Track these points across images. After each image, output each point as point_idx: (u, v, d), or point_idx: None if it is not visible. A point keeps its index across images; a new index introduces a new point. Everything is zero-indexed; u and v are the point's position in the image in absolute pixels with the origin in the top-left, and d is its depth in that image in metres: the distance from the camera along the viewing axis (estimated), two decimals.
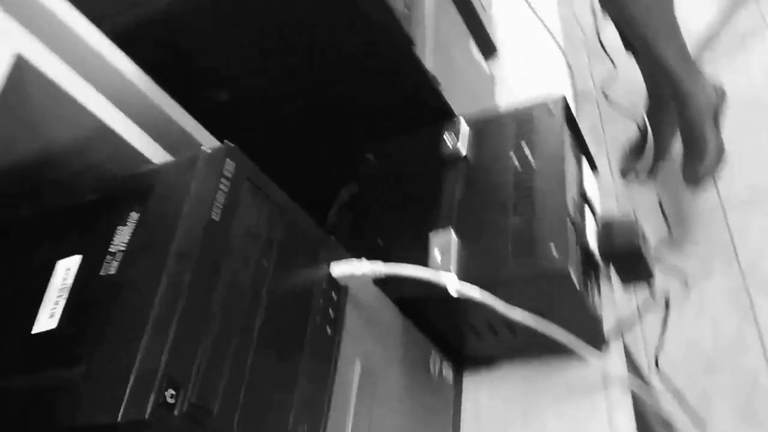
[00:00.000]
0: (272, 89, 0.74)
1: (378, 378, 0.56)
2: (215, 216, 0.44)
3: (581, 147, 0.72)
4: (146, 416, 0.36)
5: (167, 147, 0.60)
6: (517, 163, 0.65)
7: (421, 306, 0.63)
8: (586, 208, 0.67)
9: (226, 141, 0.47)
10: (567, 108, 0.68)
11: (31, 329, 0.45)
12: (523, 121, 0.68)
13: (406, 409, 0.59)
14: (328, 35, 0.68)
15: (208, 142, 0.65)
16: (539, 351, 0.68)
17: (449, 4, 0.84)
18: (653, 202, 1.37)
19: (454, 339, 0.68)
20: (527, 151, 0.66)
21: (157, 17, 0.66)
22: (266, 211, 0.48)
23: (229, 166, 0.46)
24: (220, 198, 0.44)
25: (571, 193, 0.63)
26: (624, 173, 1.50)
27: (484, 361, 0.71)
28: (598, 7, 1.28)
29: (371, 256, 0.55)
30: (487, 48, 0.92)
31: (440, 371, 0.67)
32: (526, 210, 0.61)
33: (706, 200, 1.48)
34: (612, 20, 1.29)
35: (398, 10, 0.66)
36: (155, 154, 0.58)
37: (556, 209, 0.60)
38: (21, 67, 0.50)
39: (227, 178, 0.45)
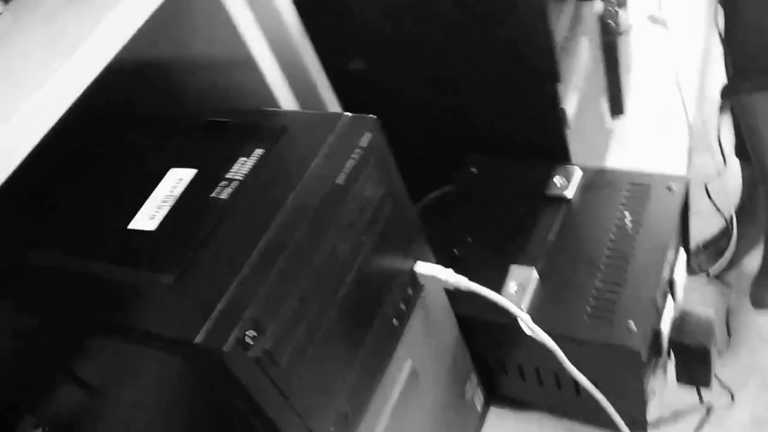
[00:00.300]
0: (409, 68, 0.74)
1: (421, 384, 0.56)
2: (340, 181, 0.44)
3: (684, 233, 0.70)
4: (224, 348, 0.36)
5: (299, 99, 0.60)
6: (620, 226, 0.64)
7: (481, 331, 0.62)
8: (669, 293, 0.65)
9: (371, 115, 0.47)
10: (687, 192, 0.66)
11: (127, 224, 0.46)
12: (639, 187, 0.67)
13: (435, 422, 0.59)
14: (484, 26, 0.67)
15: (333, 106, 0.65)
16: (574, 414, 0.67)
17: (600, 59, 0.83)
18: (711, 305, 1.34)
19: (497, 372, 0.67)
20: (634, 218, 0.64)
21: None
22: (381, 191, 0.48)
23: (367, 137, 0.46)
24: (350, 165, 0.44)
25: (664, 276, 0.62)
26: (692, 267, 1.46)
27: (516, 402, 0.70)
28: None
29: (445, 263, 0.55)
30: (617, 108, 0.91)
31: (473, 396, 0.66)
32: (616, 276, 0.60)
33: (761, 325, 1.44)
34: (734, 124, 1.28)
35: (558, 41, 0.65)
36: (285, 101, 0.59)
37: (646, 288, 0.59)
38: None
39: (362, 148, 0.45)
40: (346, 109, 0.73)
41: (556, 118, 0.70)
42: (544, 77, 0.67)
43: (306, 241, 0.41)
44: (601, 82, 0.86)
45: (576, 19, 0.72)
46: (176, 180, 0.48)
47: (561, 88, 0.68)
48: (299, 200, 0.42)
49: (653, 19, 1.04)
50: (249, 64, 0.56)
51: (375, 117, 0.47)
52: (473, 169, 0.76)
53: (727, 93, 1.30)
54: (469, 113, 0.76)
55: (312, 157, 0.44)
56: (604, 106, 0.88)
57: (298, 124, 0.48)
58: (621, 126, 0.94)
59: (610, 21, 0.85)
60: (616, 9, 0.86)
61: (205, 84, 0.59)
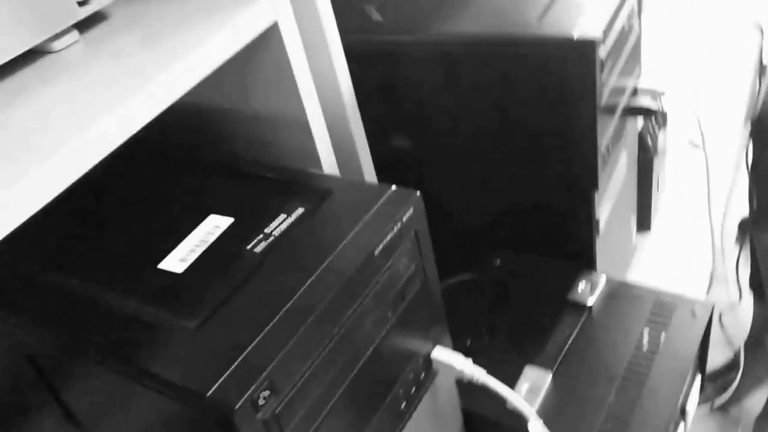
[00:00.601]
0: (450, 160, 0.74)
1: None
2: (377, 252, 0.43)
3: (702, 360, 0.69)
4: (234, 406, 0.35)
5: (340, 163, 0.61)
6: (640, 343, 0.63)
7: (487, 428, 0.60)
8: (681, 421, 0.64)
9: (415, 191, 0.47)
10: (710, 319, 0.65)
11: (158, 263, 0.46)
12: (662, 307, 0.66)
13: None
14: (533, 131, 0.68)
15: (370, 175, 0.66)
16: None
17: (634, 176, 0.84)
18: None
19: None
20: (654, 338, 0.63)
21: (392, 48, 0.68)
22: (414, 267, 0.48)
23: (408, 212, 0.46)
24: (388, 238, 0.44)
25: (678, 404, 0.60)
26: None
27: None
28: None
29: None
30: (644, 224, 0.92)
31: None
32: (632, 395, 0.59)
33: None
34: (751, 256, 1.28)
35: (601, 150, 0.66)
36: (328, 165, 0.59)
37: (660, 414, 0.57)
38: (272, 34, 0.52)
39: (402, 222, 0.45)
40: (381, 181, 0.73)
41: (589, 224, 0.70)
42: (584, 184, 0.67)
43: (333, 309, 0.41)
44: (632, 196, 0.86)
45: (619, 132, 0.73)
46: (213, 226, 0.48)
47: (597, 196, 0.69)
48: (333, 266, 0.42)
49: (692, 144, 1.05)
50: (302, 124, 0.57)
51: (418, 193, 0.47)
52: (498, 262, 0.75)
53: (748, 227, 1.32)
54: (503, 208, 0.76)
55: (352, 225, 0.44)
56: (633, 220, 0.89)
57: (342, 189, 0.49)
58: (646, 242, 0.94)
59: (648, 139, 0.86)
60: (656, 129, 0.88)
61: (254, 135, 0.60)
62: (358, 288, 0.42)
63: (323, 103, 0.61)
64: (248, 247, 0.45)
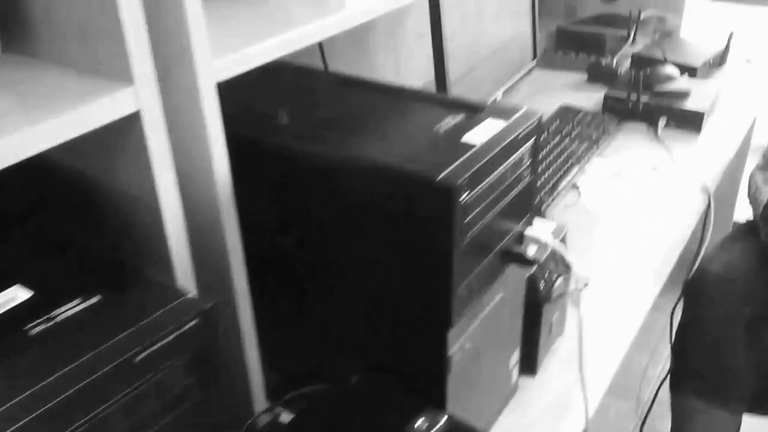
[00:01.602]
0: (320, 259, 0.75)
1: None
2: (137, 359, 0.43)
3: None
4: None
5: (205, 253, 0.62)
6: None
7: None
8: None
9: None
10: None
11: None
12: None
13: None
14: (394, 248, 0.69)
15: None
16: None
17: (517, 318, 0.84)
18: None
19: None
20: None
21: (283, 152, 0.70)
22: (189, 380, 0.48)
23: (191, 323, 0.46)
24: (155, 346, 0.44)
25: None
26: None
27: None
28: None
29: None
30: (530, 367, 0.91)
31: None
32: None
33: None
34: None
35: (458, 290, 0.66)
36: (179, 259, 0.60)
37: None
38: (133, 120, 0.54)
39: (180, 333, 0.45)
40: (254, 278, 0.74)
41: (440, 362, 0.69)
42: (437, 321, 0.67)
43: (72, 405, 0.40)
44: (514, 338, 0.86)
45: (492, 273, 0.73)
46: (9, 298, 0.48)
47: (452, 334, 0.69)
48: (85, 365, 0.42)
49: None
50: (153, 210, 0.58)
51: (213, 304, 0.47)
52: (354, 379, 0.75)
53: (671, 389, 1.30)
54: (367, 326, 0.76)
55: (125, 327, 0.44)
56: (513, 361, 0.88)
57: (145, 285, 0.49)
58: (533, 384, 0.93)
59: (541, 285, 0.87)
60: (554, 276, 0.89)
61: (110, 210, 0.61)
62: (109, 389, 0.42)
63: (194, 195, 0.62)
64: (26, 327, 0.45)
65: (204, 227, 0.66)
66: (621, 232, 1.23)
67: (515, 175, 0.71)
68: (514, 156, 0.70)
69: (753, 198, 1.52)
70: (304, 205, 0.72)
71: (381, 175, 0.64)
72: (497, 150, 0.66)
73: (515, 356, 0.88)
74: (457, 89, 1.37)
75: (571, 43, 2.01)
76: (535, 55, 1.70)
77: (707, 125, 1.55)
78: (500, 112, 0.72)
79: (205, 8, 0.73)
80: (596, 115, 1.58)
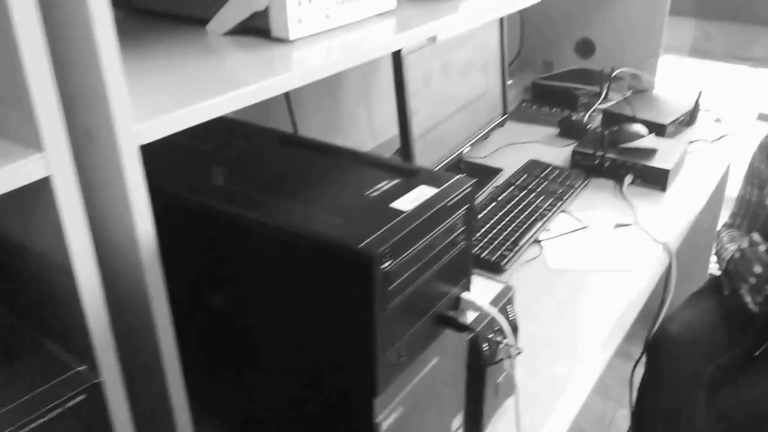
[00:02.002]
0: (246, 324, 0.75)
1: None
2: None
3: None
4: None
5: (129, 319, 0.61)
6: None
7: None
8: None
9: None
10: None
11: None
12: None
13: None
14: (318, 315, 0.69)
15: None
16: None
17: (459, 380, 0.83)
18: None
19: None
20: None
21: (214, 214, 0.70)
22: None
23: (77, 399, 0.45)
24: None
25: None
26: None
27: None
28: None
29: None
30: (475, 429, 0.90)
31: None
32: None
33: None
34: None
35: (382, 357, 0.65)
36: (98, 327, 0.59)
37: None
38: (43, 185, 0.54)
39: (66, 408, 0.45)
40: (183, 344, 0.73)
41: (368, 431, 0.69)
42: (362, 389, 0.67)
43: None
44: (456, 400, 0.85)
45: (426, 337, 0.73)
46: None
47: (381, 401, 0.68)
48: None
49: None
50: (68, 273, 0.58)
51: (98, 381, 0.47)
52: None
53: None
54: (294, 395, 0.75)
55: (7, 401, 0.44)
56: (456, 424, 0.87)
57: (37, 359, 0.48)
58: None
59: (485, 347, 0.86)
60: (497, 338, 0.88)
61: (19, 271, 0.61)
62: None
63: (116, 259, 0.62)
64: None
65: (127, 291, 0.65)
66: (580, 289, 1.23)
67: (447, 241, 0.71)
68: (445, 223, 0.70)
69: (718, 255, 1.53)
70: (230, 269, 0.72)
71: (304, 242, 0.64)
72: (425, 217, 0.67)
73: (458, 419, 0.87)
74: (422, 144, 1.38)
75: (545, 97, 2.04)
76: (505, 110, 1.72)
77: (673, 183, 1.56)
78: (434, 178, 0.72)
79: (143, 64, 0.75)
80: (564, 170, 1.60)
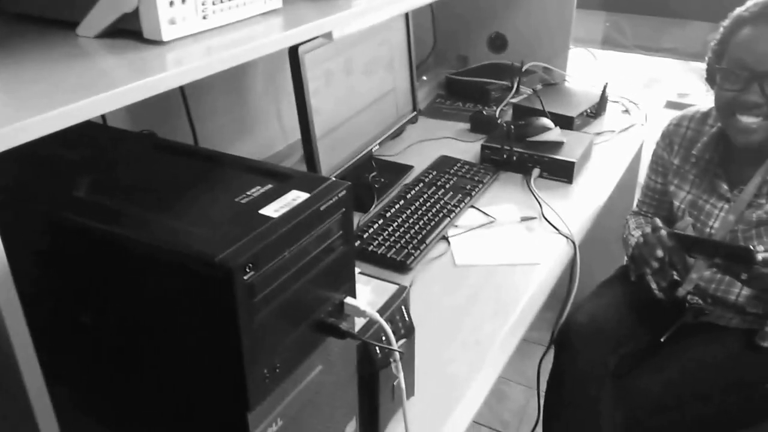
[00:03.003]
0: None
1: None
2: None
3: None
4: None
5: None
6: None
7: None
8: None
9: None
10: None
11: None
12: None
13: None
14: (187, 332, 0.66)
15: None
16: None
17: (347, 387, 0.81)
18: None
19: None
20: None
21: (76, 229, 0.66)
22: None
23: None
24: None
25: None
26: None
27: None
28: None
29: None
30: None
31: None
32: None
33: None
34: None
35: (254, 370, 0.63)
36: None
37: None
38: None
39: None
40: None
41: None
42: (235, 404, 0.64)
43: None
44: (349, 407, 0.83)
45: (306, 346, 0.71)
46: None
47: (259, 413, 0.66)
48: None
49: None
50: None
51: None
52: None
53: None
54: (161, 413, 0.72)
55: None
56: (351, 429, 0.85)
57: None
58: None
59: (376, 351, 0.85)
60: (388, 338, 0.87)
61: None
62: None
63: None
64: None
65: None
66: (485, 284, 1.23)
67: (323, 247, 0.70)
68: (318, 228, 0.68)
69: (624, 242, 1.56)
70: (93, 284, 0.68)
71: (162, 256, 0.61)
72: (294, 223, 0.65)
73: (352, 425, 0.86)
74: (327, 143, 1.36)
75: (459, 92, 2.05)
76: (415, 106, 1.72)
77: (580, 175, 1.59)
78: (307, 182, 0.71)
79: (3, 70, 0.70)
80: (473, 165, 1.61)
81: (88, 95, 0.63)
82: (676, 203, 1.46)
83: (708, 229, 1.38)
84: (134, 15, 0.79)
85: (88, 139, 0.83)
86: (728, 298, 1.38)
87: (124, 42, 0.81)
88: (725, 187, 1.36)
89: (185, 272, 0.61)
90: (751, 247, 1.20)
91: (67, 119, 0.62)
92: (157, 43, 0.80)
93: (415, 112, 1.72)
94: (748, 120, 1.25)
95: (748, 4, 1.28)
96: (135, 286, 0.65)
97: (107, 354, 0.73)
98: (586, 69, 2.25)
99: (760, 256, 1.16)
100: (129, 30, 0.81)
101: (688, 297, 1.44)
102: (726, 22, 1.31)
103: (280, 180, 0.72)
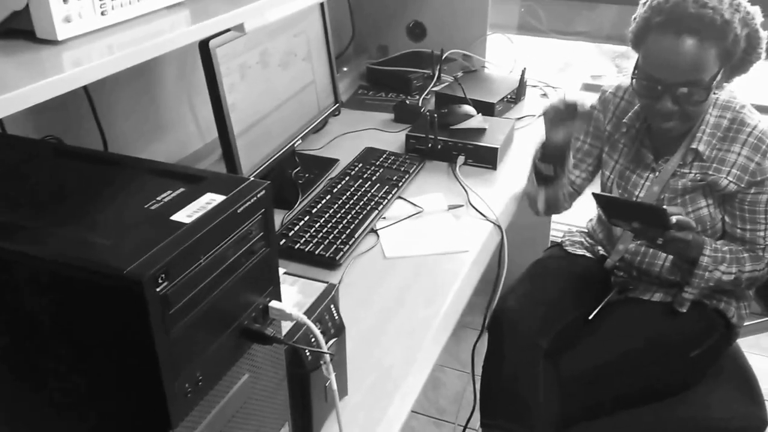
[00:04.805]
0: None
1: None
2: None
3: None
4: None
5: None
6: None
7: None
8: None
9: None
10: None
11: None
12: None
13: None
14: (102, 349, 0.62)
15: None
16: None
17: (278, 391, 0.78)
18: None
19: None
20: None
21: None
22: None
23: None
24: None
25: None
26: None
27: None
28: None
29: None
30: None
31: None
32: None
33: None
34: None
35: (174, 384, 0.60)
36: None
37: None
38: None
39: None
40: None
41: None
42: (154, 424, 0.61)
43: None
44: (280, 410, 0.81)
45: (231, 354, 0.68)
46: None
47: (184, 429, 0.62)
48: None
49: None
50: None
51: None
52: None
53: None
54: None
55: None
56: None
57: None
58: None
59: (305, 354, 0.83)
60: (316, 339, 0.85)
61: None
62: None
63: None
64: None
65: None
66: (415, 275, 1.23)
67: (243, 251, 0.66)
68: (237, 231, 0.65)
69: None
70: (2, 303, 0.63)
71: (64, 271, 0.57)
72: (210, 227, 0.61)
73: (285, 430, 0.83)
74: (246, 140, 1.32)
75: (381, 82, 2.04)
76: (336, 98, 1.69)
77: (503, 161, 1.60)
78: (222, 184, 0.67)
79: None
80: (399, 155, 1.59)
81: None
82: (606, 173, 1.48)
83: (634, 198, 1.41)
84: (25, 13, 0.74)
85: None
86: (653, 270, 1.42)
87: (15, 42, 0.75)
88: (651, 156, 1.40)
89: (92, 288, 0.56)
90: (664, 207, 1.23)
91: None
92: (52, 42, 0.75)
93: (337, 104, 1.69)
94: (665, 125, 1.30)
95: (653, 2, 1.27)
96: (40, 305, 0.61)
97: (17, 377, 0.67)
98: (504, 54, 2.27)
99: (674, 219, 1.20)
100: (20, 30, 0.75)
101: (615, 271, 1.48)
102: (636, 17, 1.31)
103: (193, 182, 0.68)
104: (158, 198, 0.65)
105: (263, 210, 0.68)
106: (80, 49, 0.75)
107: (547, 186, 1.44)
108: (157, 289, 0.56)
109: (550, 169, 1.41)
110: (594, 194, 1.29)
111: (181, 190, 0.67)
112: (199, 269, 0.60)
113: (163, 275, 0.56)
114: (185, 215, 0.62)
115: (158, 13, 0.88)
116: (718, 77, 1.23)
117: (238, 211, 0.64)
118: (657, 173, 1.38)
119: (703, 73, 1.21)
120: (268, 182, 0.68)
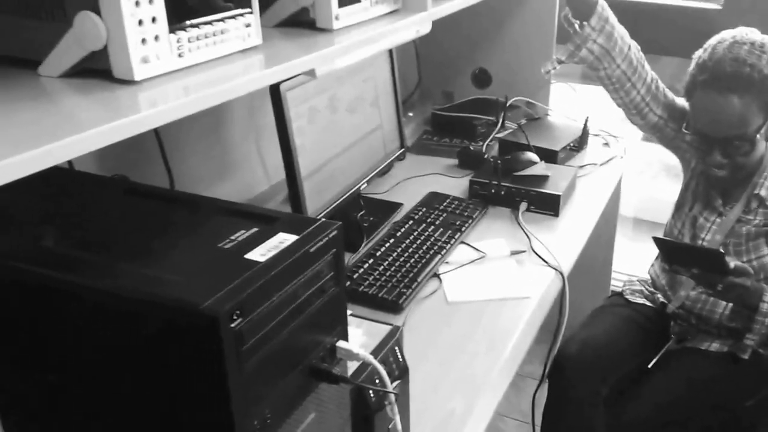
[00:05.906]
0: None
1: None
2: None
3: None
4: None
5: None
6: None
7: None
8: None
9: None
10: None
11: None
12: None
13: None
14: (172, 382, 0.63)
15: None
16: None
17: (344, 421, 0.78)
18: None
19: None
20: None
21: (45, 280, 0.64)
22: None
23: None
24: None
25: None
26: None
27: None
28: None
29: None
30: None
31: None
32: None
33: None
34: None
35: (245, 421, 0.61)
36: None
37: None
38: None
39: None
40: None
41: None
42: None
43: None
44: None
45: (300, 392, 0.69)
46: None
47: None
48: None
49: None
50: None
51: None
52: None
53: None
54: None
55: None
56: None
57: None
58: None
59: (369, 394, 0.83)
60: (381, 380, 0.85)
61: None
62: None
63: None
64: None
65: None
66: (477, 320, 1.21)
67: (313, 290, 0.68)
68: (308, 271, 0.66)
69: None
70: (60, 341, 0.65)
71: (141, 308, 0.59)
72: (283, 266, 0.63)
73: None
74: (312, 182, 1.35)
75: (445, 128, 2.06)
76: (402, 143, 1.72)
77: (565, 208, 1.59)
78: (295, 224, 0.69)
79: None
80: (463, 200, 1.60)
81: (53, 140, 0.59)
82: (678, 225, 1.49)
83: (700, 242, 1.41)
84: (103, 53, 0.75)
85: (53, 186, 0.80)
86: (713, 318, 1.42)
87: (93, 81, 0.75)
88: (720, 200, 1.42)
89: (168, 323, 0.58)
90: (721, 250, 1.25)
91: (28, 167, 0.58)
92: (129, 82, 0.76)
93: (402, 149, 1.71)
94: (718, 173, 1.35)
95: (704, 58, 1.32)
96: (112, 341, 0.63)
97: (80, 415, 0.69)
98: (567, 103, 2.27)
99: (732, 264, 1.21)
100: (98, 69, 0.74)
101: (674, 318, 1.45)
102: (688, 73, 1.35)
103: (266, 223, 0.70)
104: (231, 237, 0.67)
105: (334, 250, 0.69)
106: (156, 89, 0.75)
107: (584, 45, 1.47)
108: (232, 325, 0.57)
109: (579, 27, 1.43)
110: (654, 238, 1.30)
111: (254, 230, 0.69)
112: (272, 307, 0.62)
113: (237, 312, 0.57)
114: (259, 254, 0.64)
115: (233, 57, 0.91)
116: (764, 129, 1.27)
117: (311, 251, 0.66)
118: (723, 218, 1.38)
119: (747, 127, 1.26)
120: (340, 223, 0.70)
